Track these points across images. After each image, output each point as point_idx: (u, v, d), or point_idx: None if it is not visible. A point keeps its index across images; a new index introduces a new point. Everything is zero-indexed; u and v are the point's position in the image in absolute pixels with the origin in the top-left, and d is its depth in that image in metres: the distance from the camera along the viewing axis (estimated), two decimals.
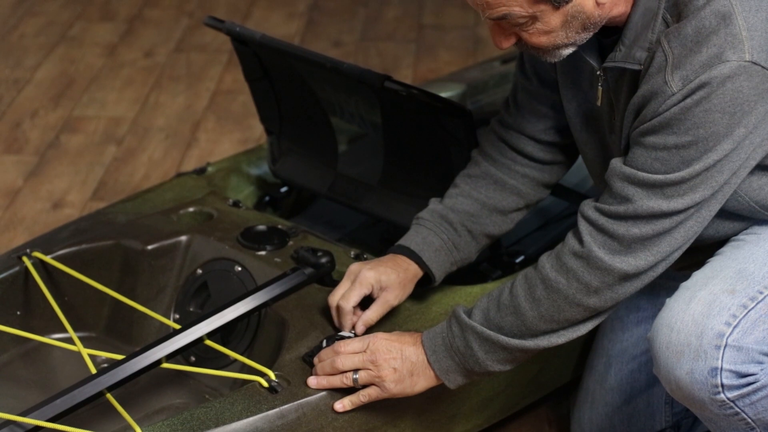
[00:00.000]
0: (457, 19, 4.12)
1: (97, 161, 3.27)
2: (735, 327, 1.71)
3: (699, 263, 1.83)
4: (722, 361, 1.70)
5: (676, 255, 1.75)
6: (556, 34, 1.70)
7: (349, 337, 1.90)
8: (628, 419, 2.10)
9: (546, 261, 1.79)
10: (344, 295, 1.93)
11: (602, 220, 1.73)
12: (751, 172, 1.76)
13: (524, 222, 2.30)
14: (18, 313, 2.12)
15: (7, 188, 3.14)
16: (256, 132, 3.37)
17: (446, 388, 1.87)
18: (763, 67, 1.64)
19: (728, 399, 1.72)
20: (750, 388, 1.72)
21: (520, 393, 2.15)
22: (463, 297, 2.05)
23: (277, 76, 2.31)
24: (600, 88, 1.80)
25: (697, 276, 1.78)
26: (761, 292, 1.74)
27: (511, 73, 2.80)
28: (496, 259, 2.23)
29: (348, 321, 1.93)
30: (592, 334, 2.18)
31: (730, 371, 1.71)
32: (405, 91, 2.08)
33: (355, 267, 1.95)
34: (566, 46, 1.73)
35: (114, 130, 3.43)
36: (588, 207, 1.76)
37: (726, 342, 1.70)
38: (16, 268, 2.11)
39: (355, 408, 1.86)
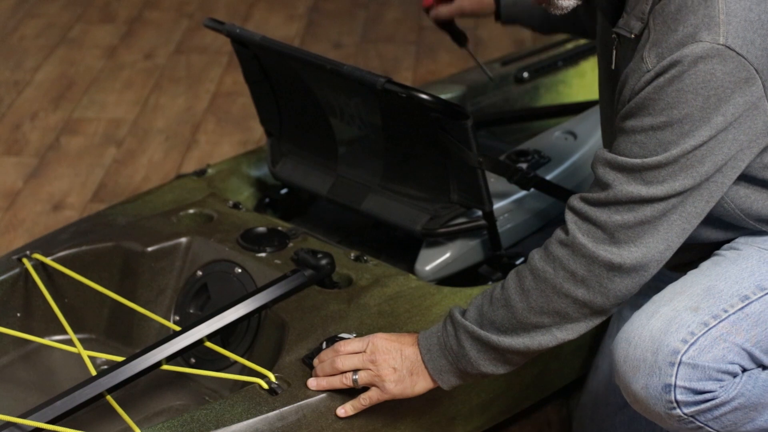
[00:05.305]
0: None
1: (97, 163, 3.27)
2: (692, 345, 1.70)
3: (691, 262, 1.83)
4: (676, 378, 1.69)
5: (667, 254, 1.72)
6: None
7: (349, 338, 1.90)
8: (629, 421, 2.10)
9: (535, 253, 1.79)
10: None
11: (585, 209, 1.73)
12: (737, 182, 1.75)
13: (524, 224, 2.31)
14: (18, 314, 2.12)
15: (7, 190, 3.15)
16: (256, 134, 3.37)
17: (446, 390, 1.86)
18: (738, 53, 1.62)
19: (685, 414, 1.72)
20: (708, 404, 1.71)
21: (521, 395, 2.15)
22: (463, 299, 2.05)
23: (277, 78, 2.31)
24: (615, 51, 1.80)
25: (667, 290, 1.77)
26: (726, 311, 1.72)
27: (511, 75, 2.81)
28: (496, 261, 2.23)
29: None
30: (597, 336, 2.18)
31: (685, 388, 1.70)
32: (405, 93, 2.08)
33: None
34: None
35: (114, 132, 3.43)
36: (574, 198, 1.76)
37: (680, 359, 1.69)
38: (16, 270, 2.11)
39: (357, 412, 1.86)
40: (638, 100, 1.67)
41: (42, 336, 2.08)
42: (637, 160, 1.67)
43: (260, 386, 1.84)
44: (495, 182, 2.23)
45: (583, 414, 2.17)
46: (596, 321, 1.77)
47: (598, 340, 2.19)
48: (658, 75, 1.64)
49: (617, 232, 1.70)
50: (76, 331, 2.02)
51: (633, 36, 1.72)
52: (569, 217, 1.75)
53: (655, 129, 1.65)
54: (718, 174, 1.68)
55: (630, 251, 1.70)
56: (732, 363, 1.71)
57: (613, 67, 1.81)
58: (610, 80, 1.86)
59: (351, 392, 1.86)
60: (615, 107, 1.79)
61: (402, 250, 2.30)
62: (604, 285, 1.72)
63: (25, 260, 2.11)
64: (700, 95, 1.63)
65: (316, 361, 1.87)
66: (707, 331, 1.71)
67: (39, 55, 3.93)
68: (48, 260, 2.11)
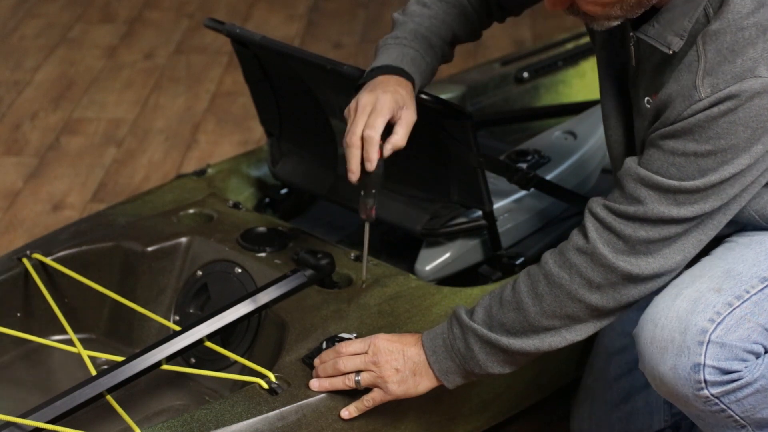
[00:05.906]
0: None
1: (97, 163, 3.27)
2: (719, 324, 1.72)
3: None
4: (705, 357, 1.71)
5: (683, 264, 1.75)
6: (612, 6, 1.70)
7: (349, 339, 1.90)
8: (627, 418, 2.11)
9: (549, 257, 1.79)
10: (369, 124, 1.87)
11: (610, 219, 1.74)
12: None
13: (524, 223, 2.30)
14: (18, 314, 2.12)
15: (7, 190, 3.15)
16: (256, 134, 3.37)
17: (447, 389, 1.87)
18: None
19: (712, 395, 1.73)
20: (734, 385, 1.73)
21: (521, 394, 2.15)
22: (463, 299, 2.05)
23: (277, 78, 2.31)
24: (632, 47, 1.80)
25: (686, 274, 1.79)
26: (748, 291, 1.74)
27: (511, 75, 2.81)
28: (496, 261, 2.23)
29: (374, 151, 1.87)
30: (593, 335, 2.18)
31: (713, 367, 1.71)
32: None
33: (364, 98, 1.88)
34: (617, 18, 1.73)
35: (114, 132, 3.43)
36: (597, 204, 1.76)
37: (709, 338, 1.71)
38: (16, 270, 2.11)
39: (361, 414, 1.86)
40: (685, 125, 1.67)
41: (42, 336, 2.08)
42: (674, 182, 1.68)
43: (260, 386, 1.84)
44: (495, 182, 2.23)
45: (580, 412, 2.17)
46: (605, 322, 1.80)
47: (593, 339, 2.19)
48: (712, 105, 1.65)
49: (639, 245, 1.72)
50: (76, 331, 2.02)
51: (671, 52, 1.71)
52: (590, 224, 1.75)
53: (697, 155, 1.67)
54: (742, 192, 1.71)
55: (648, 263, 1.73)
56: (756, 343, 1.73)
57: (633, 63, 1.81)
58: (621, 74, 1.86)
59: (351, 392, 1.86)
60: (649, 123, 1.77)
61: (402, 250, 2.30)
62: (618, 291, 1.75)
63: (25, 260, 2.11)
64: (750, 128, 1.65)
65: (317, 362, 1.87)
66: (732, 311, 1.73)
67: (39, 55, 3.93)
68: (48, 260, 2.11)
